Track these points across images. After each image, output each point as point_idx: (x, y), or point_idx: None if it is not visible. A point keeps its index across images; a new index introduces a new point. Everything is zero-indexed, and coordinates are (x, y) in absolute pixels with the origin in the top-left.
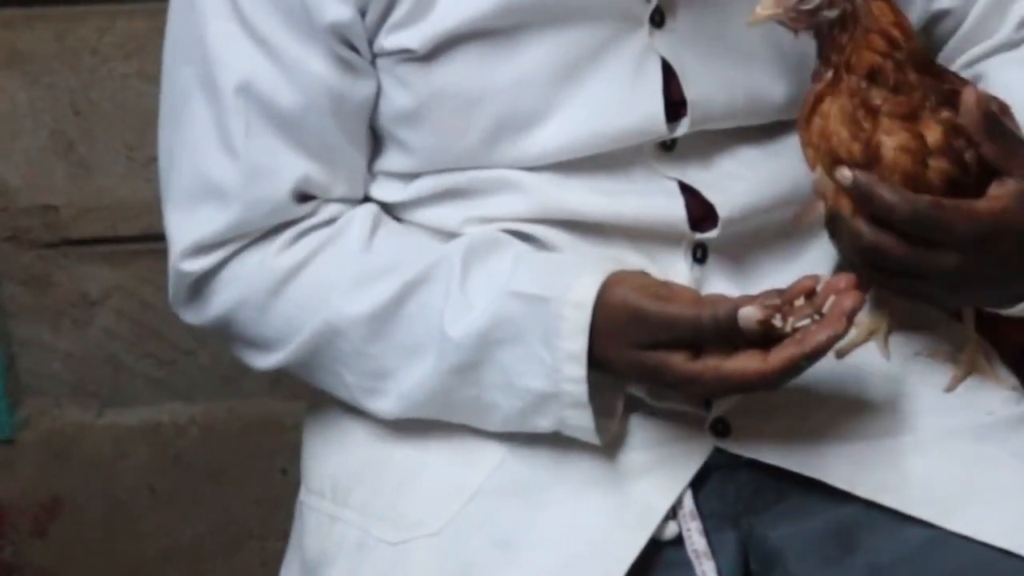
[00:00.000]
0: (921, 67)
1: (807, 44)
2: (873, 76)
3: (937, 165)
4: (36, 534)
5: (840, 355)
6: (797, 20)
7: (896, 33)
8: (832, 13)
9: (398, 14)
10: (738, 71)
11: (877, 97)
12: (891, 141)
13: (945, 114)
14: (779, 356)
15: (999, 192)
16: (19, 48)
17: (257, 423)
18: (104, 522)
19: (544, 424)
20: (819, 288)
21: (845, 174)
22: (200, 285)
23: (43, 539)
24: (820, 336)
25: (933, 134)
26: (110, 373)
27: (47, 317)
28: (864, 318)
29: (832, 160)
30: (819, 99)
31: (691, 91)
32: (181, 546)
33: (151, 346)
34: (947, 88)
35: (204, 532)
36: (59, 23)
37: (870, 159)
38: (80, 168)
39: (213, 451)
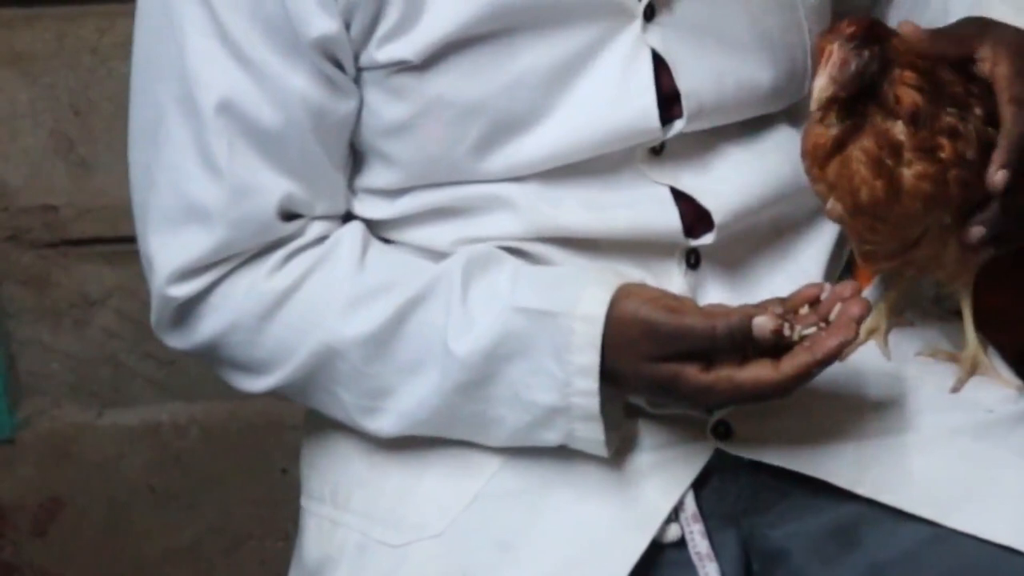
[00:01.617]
0: (933, 82)
1: (791, 30)
2: (915, 117)
3: (954, 175)
4: (36, 534)
5: (841, 357)
6: (851, 88)
7: (921, 62)
8: (875, 65)
9: (386, 25)
10: (727, 60)
11: (901, 133)
12: (911, 171)
13: (948, 120)
14: (791, 364)
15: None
16: (19, 48)
17: (257, 423)
18: (104, 522)
19: (551, 438)
20: (823, 296)
21: None
22: (186, 310)
23: (43, 539)
24: (831, 343)
25: (947, 151)
26: (110, 373)
27: (47, 317)
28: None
29: (852, 199)
30: (839, 143)
31: (683, 82)
32: (181, 546)
33: (151, 346)
34: (951, 91)
35: (204, 532)
36: (59, 23)
37: (891, 192)
38: (80, 168)
39: (213, 451)
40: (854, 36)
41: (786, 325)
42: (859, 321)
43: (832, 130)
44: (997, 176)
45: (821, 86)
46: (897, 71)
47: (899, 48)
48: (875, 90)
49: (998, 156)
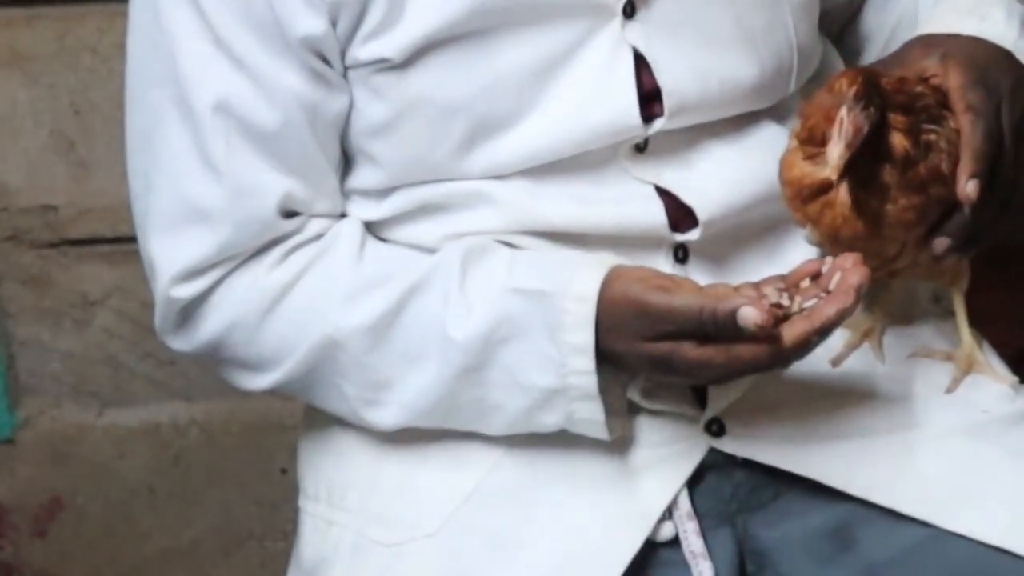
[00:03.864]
0: (914, 111)
1: (776, 27)
2: (906, 162)
3: (934, 193)
4: (36, 534)
5: (835, 364)
6: (860, 141)
7: (904, 99)
8: (876, 118)
9: (370, 23)
10: (710, 58)
11: (888, 174)
12: (896, 207)
13: (925, 137)
14: (790, 333)
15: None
16: (19, 48)
17: (257, 423)
18: (104, 522)
19: (551, 421)
20: (824, 269)
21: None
22: (189, 311)
23: (43, 539)
24: (829, 311)
25: (926, 170)
26: (110, 373)
27: (47, 317)
28: (858, 319)
29: (832, 234)
30: (824, 186)
31: (665, 79)
32: (181, 546)
33: (151, 346)
34: (924, 104)
35: (204, 532)
36: (59, 23)
37: (873, 228)
38: (80, 168)
39: (213, 451)
40: (858, 96)
41: (785, 296)
42: (858, 289)
43: (819, 172)
44: (969, 187)
45: (839, 154)
46: (890, 115)
47: (887, 88)
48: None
49: (964, 167)
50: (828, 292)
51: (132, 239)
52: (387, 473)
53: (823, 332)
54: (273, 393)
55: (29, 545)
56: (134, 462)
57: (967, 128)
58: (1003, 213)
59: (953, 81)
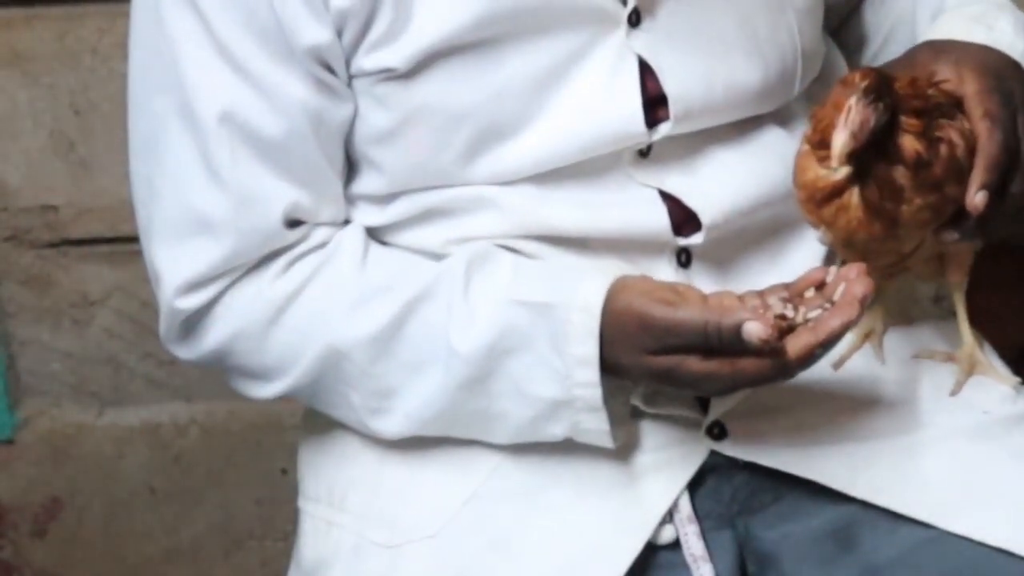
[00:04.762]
0: (929, 114)
1: (780, 31)
2: (918, 164)
3: (949, 192)
4: (36, 534)
5: (836, 366)
6: (866, 141)
7: (918, 103)
8: (886, 117)
9: (375, 33)
10: (715, 63)
11: (902, 177)
12: (911, 207)
13: (939, 133)
14: (794, 346)
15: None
16: (19, 48)
17: (257, 423)
18: (104, 522)
19: (556, 431)
20: (829, 279)
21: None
22: (194, 321)
23: (43, 539)
24: (834, 323)
25: (943, 169)
26: (110, 373)
27: (47, 317)
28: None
29: (847, 237)
30: (838, 190)
31: (670, 86)
32: (181, 546)
33: (151, 346)
34: (935, 103)
35: (204, 532)
36: (59, 23)
37: (889, 230)
38: (80, 168)
39: (213, 451)
40: (869, 90)
41: (789, 307)
42: (863, 300)
43: (833, 176)
44: (977, 198)
45: (843, 142)
46: (902, 118)
47: (900, 92)
48: (879, 137)
49: (976, 177)
50: (832, 303)
51: (132, 239)
52: (389, 475)
53: (827, 345)
54: (282, 398)
55: (29, 545)
56: (134, 462)
57: (984, 136)
58: (1017, 220)
59: (970, 88)
